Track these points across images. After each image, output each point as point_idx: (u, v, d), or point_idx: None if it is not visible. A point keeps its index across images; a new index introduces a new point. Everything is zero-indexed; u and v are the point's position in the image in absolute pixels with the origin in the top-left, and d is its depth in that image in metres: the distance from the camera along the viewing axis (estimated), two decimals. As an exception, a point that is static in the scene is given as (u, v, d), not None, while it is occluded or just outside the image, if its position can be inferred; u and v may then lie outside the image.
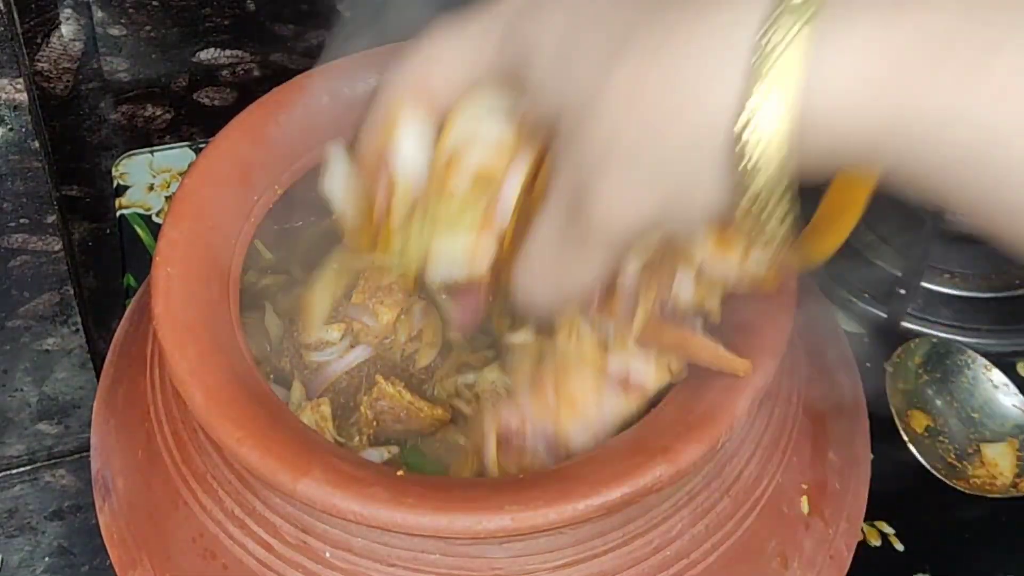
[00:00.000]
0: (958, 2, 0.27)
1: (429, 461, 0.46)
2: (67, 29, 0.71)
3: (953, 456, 0.57)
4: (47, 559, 0.84)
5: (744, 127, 0.28)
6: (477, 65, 0.37)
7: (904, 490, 0.56)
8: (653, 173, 0.31)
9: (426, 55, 0.38)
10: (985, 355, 0.60)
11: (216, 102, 0.79)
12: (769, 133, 0.28)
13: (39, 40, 0.70)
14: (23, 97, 0.61)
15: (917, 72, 0.27)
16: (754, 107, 0.28)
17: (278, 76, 0.75)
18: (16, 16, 0.64)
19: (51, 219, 0.68)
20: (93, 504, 0.44)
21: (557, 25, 0.34)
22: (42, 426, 0.79)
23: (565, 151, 0.33)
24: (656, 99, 0.30)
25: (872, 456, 0.47)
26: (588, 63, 0.32)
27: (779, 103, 0.28)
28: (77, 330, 0.74)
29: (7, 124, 0.62)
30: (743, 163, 0.29)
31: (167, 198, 0.72)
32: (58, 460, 0.81)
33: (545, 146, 0.36)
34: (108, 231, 0.80)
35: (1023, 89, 0.26)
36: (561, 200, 0.34)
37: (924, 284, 0.64)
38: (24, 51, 0.67)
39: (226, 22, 0.75)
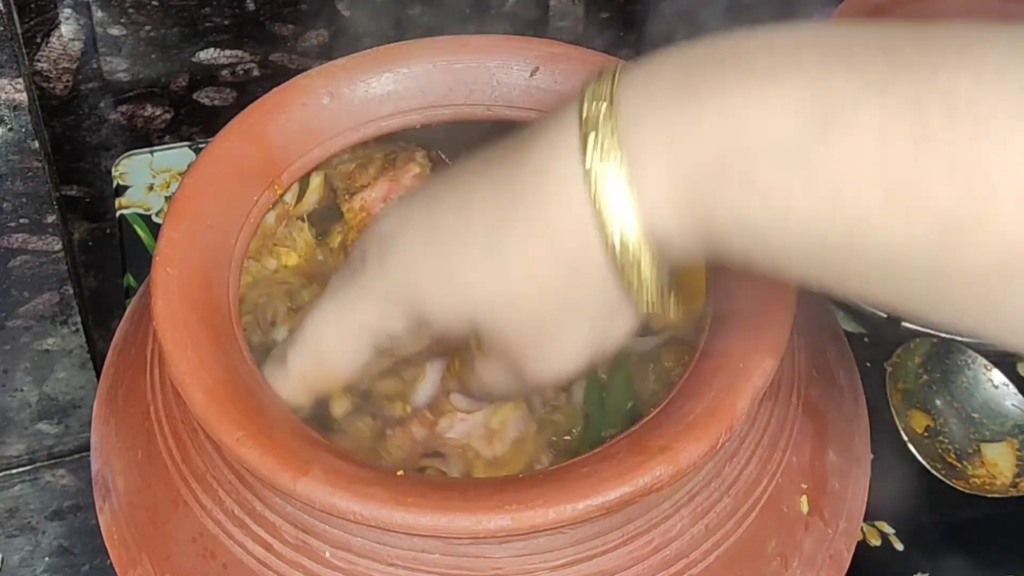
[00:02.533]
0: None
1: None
2: (67, 29, 0.71)
3: (953, 456, 0.57)
4: (47, 559, 0.84)
5: (617, 243, 0.31)
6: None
7: (904, 490, 0.56)
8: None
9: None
10: (985, 355, 0.60)
11: (216, 102, 0.79)
12: (632, 239, 0.31)
13: (39, 40, 0.70)
14: (23, 97, 0.61)
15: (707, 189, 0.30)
16: (618, 225, 0.31)
17: (278, 76, 0.75)
18: (16, 16, 0.64)
19: (51, 219, 0.68)
20: (93, 504, 0.44)
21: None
22: (42, 426, 0.79)
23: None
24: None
25: (872, 456, 0.47)
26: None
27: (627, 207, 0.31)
28: (77, 330, 0.74)
29: (7, 124, 0.62)
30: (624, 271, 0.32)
31: (167, 198, 0.72)
32: (58, 460, 0.81)
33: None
34: (108, 231, 0.80)
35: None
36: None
37: (924, 284, 0.64)
38: (24, 51, 0.67)
39: (226, 22, 0.75)
